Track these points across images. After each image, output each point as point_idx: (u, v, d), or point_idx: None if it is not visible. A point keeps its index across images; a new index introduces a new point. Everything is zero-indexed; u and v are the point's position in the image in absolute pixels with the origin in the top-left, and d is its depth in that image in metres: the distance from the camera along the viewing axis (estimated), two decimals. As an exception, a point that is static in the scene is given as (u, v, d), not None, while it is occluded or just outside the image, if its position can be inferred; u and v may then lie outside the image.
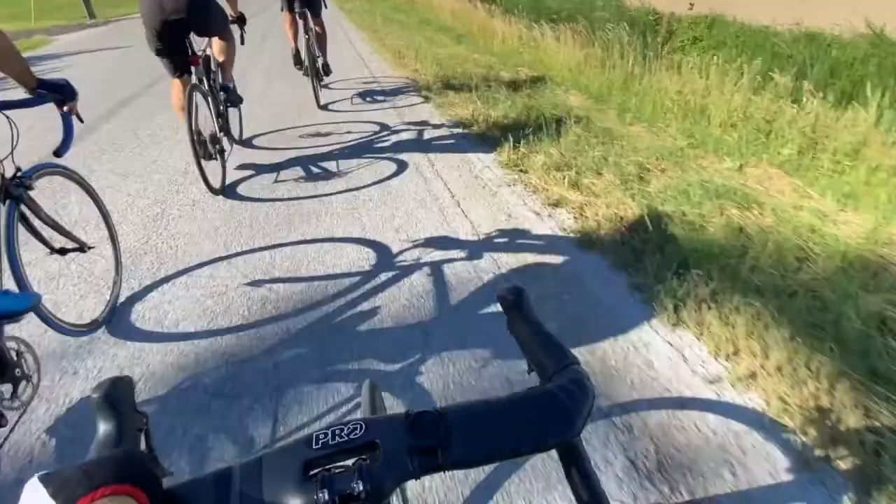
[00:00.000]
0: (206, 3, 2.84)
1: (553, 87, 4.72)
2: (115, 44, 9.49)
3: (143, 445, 0.39)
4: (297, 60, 4.79)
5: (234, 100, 3.39)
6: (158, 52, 2.81)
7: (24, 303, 1.32)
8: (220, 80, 3.24)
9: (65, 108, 1.64)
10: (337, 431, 0.34)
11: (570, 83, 4.79)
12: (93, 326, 1.87)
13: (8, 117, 1.56)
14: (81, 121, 1.76)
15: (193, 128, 2.75)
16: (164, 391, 1.60)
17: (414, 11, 11.04)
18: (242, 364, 1.70)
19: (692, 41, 6.44)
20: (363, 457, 0.34)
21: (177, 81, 2.92)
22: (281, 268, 2.26)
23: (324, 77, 4.90)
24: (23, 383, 1.34)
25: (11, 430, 1.36)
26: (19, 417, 1.38)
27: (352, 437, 0.34)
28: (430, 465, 0.34)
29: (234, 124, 3.62)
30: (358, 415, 0.71)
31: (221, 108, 3.24)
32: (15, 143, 1.59)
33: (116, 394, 0.38)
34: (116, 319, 1.97)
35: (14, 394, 1.31)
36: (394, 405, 1.48)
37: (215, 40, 3.15)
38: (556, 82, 4.88)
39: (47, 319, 1.63)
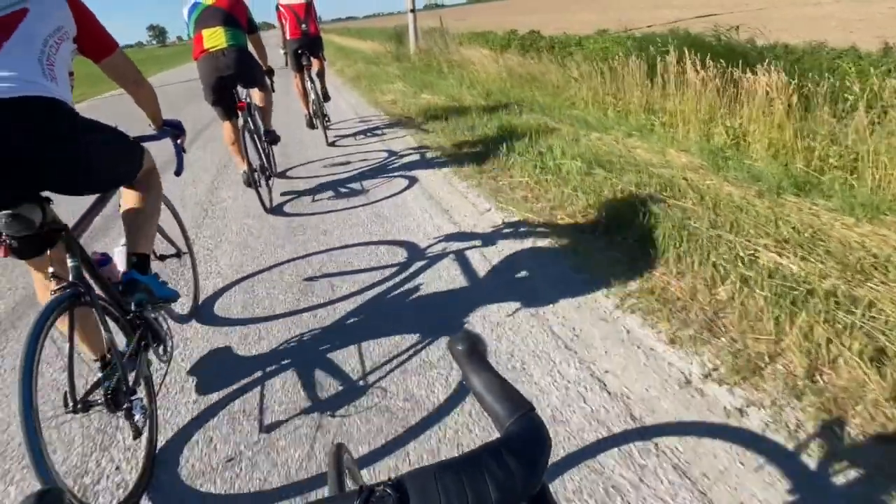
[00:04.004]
0: (249, 62, 3.51)
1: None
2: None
3: None
4: (311, 125, 5.42)
5: (273, 139, 4.05)
6: (213, 103, 3.44)
7: (174, 293, 1.80)
8: (261, 123, 3.90)
9: (178, 141, 2.12)
10: None
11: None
12: (190, 315, 2.35)
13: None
14: (185, 151, 2.24)
15: (248, 160, 3.38)
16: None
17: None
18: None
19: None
20: None
21: (227, 123, 3.53)
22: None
23: (329, 119, 5.50)
24: (169, 342, 1.79)
25: (165, 375, 1.82)
26: (168, 365, 1.82)
27: None
28: None
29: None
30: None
31: (265, 146, 3.91)
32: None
33: None
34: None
35: (165, 349, 1.76)
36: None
37: (255, 91, 3.80)
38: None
39: (169, 309, 2.12)
